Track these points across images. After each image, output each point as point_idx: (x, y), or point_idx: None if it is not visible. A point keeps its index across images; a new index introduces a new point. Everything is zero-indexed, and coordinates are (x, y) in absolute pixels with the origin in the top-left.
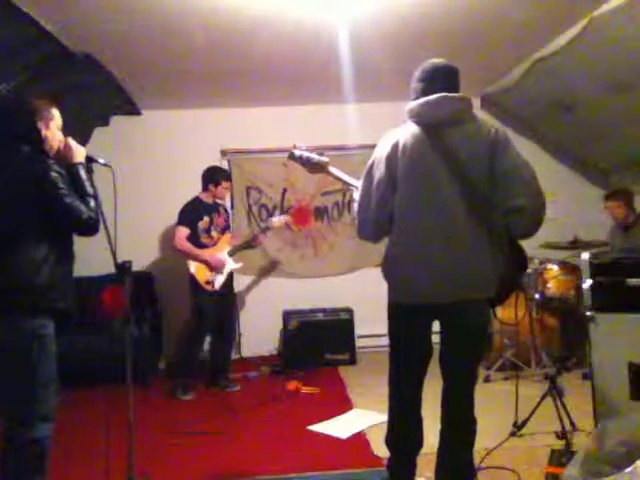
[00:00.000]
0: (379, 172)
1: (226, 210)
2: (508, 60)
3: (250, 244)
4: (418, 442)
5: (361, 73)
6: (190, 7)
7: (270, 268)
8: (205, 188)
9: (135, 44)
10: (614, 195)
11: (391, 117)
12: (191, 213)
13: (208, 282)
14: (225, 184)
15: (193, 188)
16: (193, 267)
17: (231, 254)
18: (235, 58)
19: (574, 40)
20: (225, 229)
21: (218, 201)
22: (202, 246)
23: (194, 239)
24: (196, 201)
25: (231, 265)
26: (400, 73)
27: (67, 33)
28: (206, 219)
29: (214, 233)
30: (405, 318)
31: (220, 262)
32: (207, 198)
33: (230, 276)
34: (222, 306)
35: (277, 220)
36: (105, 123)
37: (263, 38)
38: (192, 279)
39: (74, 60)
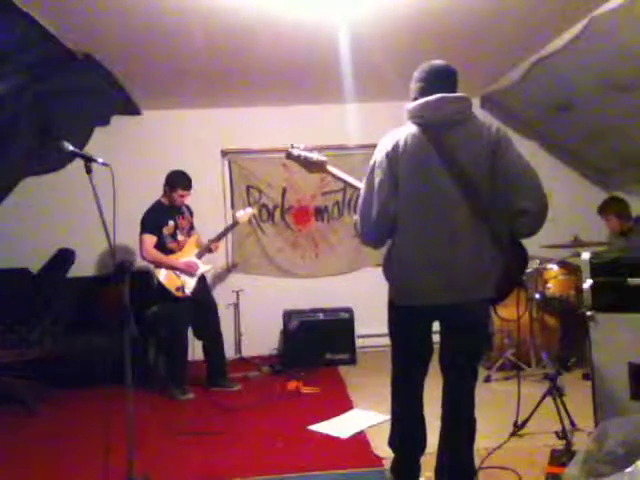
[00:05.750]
0: (380, 174)
1: (190, 211)
2: (508, 60)
3: (216, 241)
4: (422, 443)
5: (361, 73)
6: (190, 7)
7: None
8: (164, 191)
9: (135, 44)
10: (605, 208)
11: (391, 117)
12: (155, 219)
13: (178, 289)
14: (181, 192)
15: (192, 188)
16: (163, 275)
17: (199, 256)
18: (235, 58)
19: (574, 40)
20: (190, 230)
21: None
22: (169, 252)
23: (160, 245)
24: (158, 206)
25: (201, 268)
26: (400, 73)
27: (67, 33)
28: (171, 223)
29: (180, 237)
30: (406, 319)
31: (193, 263)
32: (167, 201)
33: (202, 279)
34: (197, 311)
35: (243, 214)
36: (105, 123)
37: (263, 38)
38: (160, 287)
39: (74, 60)
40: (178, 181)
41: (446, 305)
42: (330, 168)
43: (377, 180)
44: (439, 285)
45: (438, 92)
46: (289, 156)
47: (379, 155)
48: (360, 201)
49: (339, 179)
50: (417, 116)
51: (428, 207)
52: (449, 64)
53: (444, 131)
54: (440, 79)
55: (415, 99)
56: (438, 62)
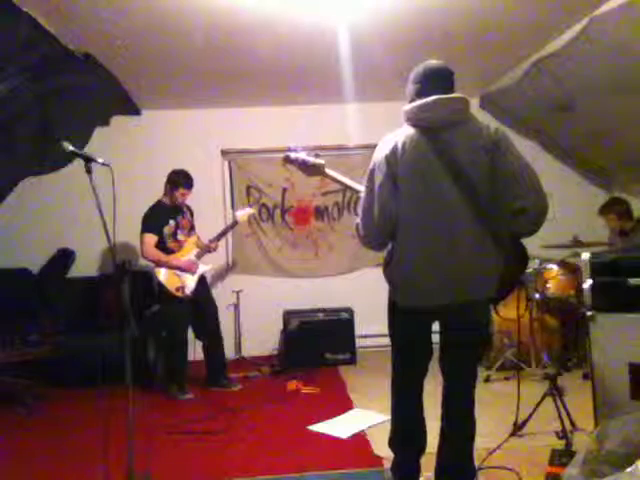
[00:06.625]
0: (380, 177)
1: (191, 211)
2: (508, 60)
3: (216, 241)
4: (422, 443)
5: (361, 73)
6: (190, 7)
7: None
8: (165, 190)
9: (135, 44)
10: (606, 208)
11: (391, 117)
12: (156, 219)
13: (178, 289)
14: (183, 190)
15: (192, 188)
16: (162, 275)
17: (199, 256)
18: (235, 58)
19: (574, 40)
20: (191, 230)
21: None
22: (169, 251)
23: (161, 245)
24: (159, 205)
25: (201, 268)
26: (400, 73)
27: (67, 33)
28: (172, 223)
29: (180, 236)
30: (407, 320)
31: (193, 263)
32: (168, 201)
33: (202, 280)
34: (197, 311)
35: (243, 213)
36: (105, 123)
37: (263, 38)
38: (160, 287)
39: (74, 60)
40: (180, 180)
41: (447, 305)
42: (328, 171)
43: (377, 183)
44: (440, 286)
45: (435, 93)
46: (287, 160)
47: (378, 158)
48: (360, 204)
49: (338, 182)
50: (414, 118)
51: (428, 208)
52: (445, 64)
53: (442, 132)
54: (436, 80)
55: (412, 101)
56: (433, 63)
